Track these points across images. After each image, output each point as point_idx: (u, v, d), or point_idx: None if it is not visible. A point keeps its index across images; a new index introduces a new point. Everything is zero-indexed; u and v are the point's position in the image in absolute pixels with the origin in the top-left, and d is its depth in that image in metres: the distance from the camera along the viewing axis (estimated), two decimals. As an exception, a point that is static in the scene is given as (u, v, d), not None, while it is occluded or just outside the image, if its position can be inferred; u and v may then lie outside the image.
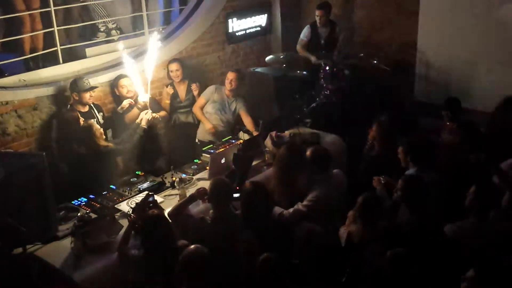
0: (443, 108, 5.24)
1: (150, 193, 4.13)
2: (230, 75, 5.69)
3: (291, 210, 4.14)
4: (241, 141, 5.24)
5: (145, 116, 5.00)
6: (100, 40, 6.17)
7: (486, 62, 6.12)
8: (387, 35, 6.85)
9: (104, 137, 4.88)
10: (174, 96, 5.99)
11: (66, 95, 5.28)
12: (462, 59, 6.27)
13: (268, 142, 5.10)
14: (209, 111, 5.79)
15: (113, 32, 6.25)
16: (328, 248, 3.47)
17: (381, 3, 6.85)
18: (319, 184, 4.20)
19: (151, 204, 3.93)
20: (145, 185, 4.64)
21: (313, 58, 6.59)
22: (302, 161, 4.27)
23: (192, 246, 3.33)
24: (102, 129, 4.87)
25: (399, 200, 3.85)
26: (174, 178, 4.68)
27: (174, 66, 5.93)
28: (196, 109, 5.87)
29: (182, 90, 6.02)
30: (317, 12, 6.63)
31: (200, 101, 5.86)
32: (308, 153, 4.31)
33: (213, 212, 3.89)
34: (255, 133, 5.40)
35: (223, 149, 5.02)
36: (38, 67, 5.48)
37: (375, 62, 6.41)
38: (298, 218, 4.07)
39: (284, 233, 3.86)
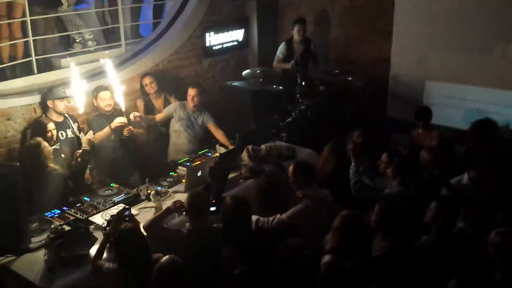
0: (416, 117, 5.40)
1: (126, 206, 4.10)
2: (191, 91, 5.68)
3: (270, 218, 4.17)
4: (218, 154, 5.25)
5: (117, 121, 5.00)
6: (76, 51, 6.13)
7: (458, 79, 6.29)
8: (362, 53, 6.99)
9: (52, 157, 4.66)
10: (151, 109, 5.97)
11: (41, 105, 5.22)
12: (433, 77, 6.43)
13: (244, 155, 5.12)
14: (177, 129, 5.77)
15: (90, 43, 6.22)
16: (313, 267, 3.49)
17: (356, 22, 7.00)
18: (304, 197, 4.23)
19: (127, 218, 3.91)
20: (120, 197, 4.60)
21: (288, 66, 6.67)
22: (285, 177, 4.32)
23: (167, 257, 3.32)
24: (50, 147, 4.69)
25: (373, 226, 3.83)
26: (149, 191, 4.65)
27: (147, 80, 5.93)
28: (157, 116, 5.81)
29: (159, 103, 6.01)
30: (297, 27, 6.71)
31: (161, 114, 5.82)
32: (291, 167, 4.35)
33: (189, 225, 3.88)
34: (230, 146, 5.43)
35: (199, 162, 5.03)
36: (15, 76, 5.41)
37: (350, 78, 6.52)
38: (281, 229, 4.10)
39: (267, 247, 3.85)
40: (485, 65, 6.07)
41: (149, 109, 5.96)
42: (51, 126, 4.88)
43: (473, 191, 4.33)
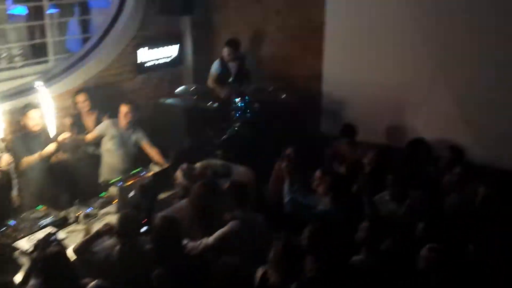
0: (341, 134, 5.56)
1: (52, 231, 3.93)
2: (124, 108, 5.55)
3: (197, 243, 4.10)
4: (152, 173, 5.14)
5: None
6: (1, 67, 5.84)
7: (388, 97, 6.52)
8: (295, 70, 7.10)
9: None
10: (80, 127, 5.77)
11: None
12: (365, 95, 6.64)
13: (178, 174, 5.04)
14: (109, 148, 5.61)
15: (16, 58, 5.93)
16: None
17: (289, 40, 7.10)
18: (235, 218, 4.18)
19: (53, 242, 3.73)
20: (48, 220, 4.40)
21: (224, 93, 6.64)
22: (216, 195, 4.26)
23: (93, 282, 3.20)
24: None
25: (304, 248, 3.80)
26: (78, 213, 4.48)
27: (80, 97, 5.76)
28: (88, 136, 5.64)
29: (90, 122, 5.82)
30: (224, 49, 6.71)
31: (93, 133, 5.65)
32: (226, 186, 4.32)
33: (120, 246, 3.76)
34: (164, 165, 5.33)
35: (132, 181, 4.89)
36: None
37: (284, 96, 6.60)
38: (208, 252, 4.02)
39: (199, 267, 3.79)
40: (415, 82, 6.31)
41: (79, 128, 5.76)
42: None
43: (394, 206, 4.49)
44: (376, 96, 6.50)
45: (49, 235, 3.80)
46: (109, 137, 5.60)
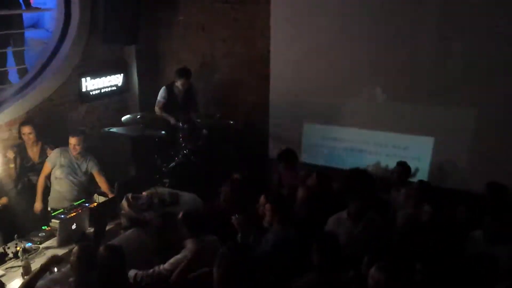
0: (280, 159, 5.61)
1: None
2: (72, 140, 5.45)
3: (150, 271, 4.00)
4: (95, 204, 5.00)
5: None
6: None
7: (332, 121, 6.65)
8: (242, 97, 7.15)
9: None
10: (24, 157, 5.66)
11: None
12: (309, 119, 6.74)
13: (124, 204, 4.92)
14: (58, 176, 5.50)
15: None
16: None
17: (236, 67, 7.15)
18: (187, 247, 4.14)
19: None
20: (-16, 257, 4.17)
21: (172, 120, 6.58)
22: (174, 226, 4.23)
23: None
24: None
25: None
26: (18, 248, 4.27)
27: (26, 129, 5.64)
28: (41, 178, 5.53)
29: (35, 153, 5.72)
30: (181, 81, 6.59)
31: (46, 169, 5.54)
32: (180, 216, 4.25)
33: (75, 279, 3.59)
34: (110, 195, 5.21)
35: (74, 213, 4.73)
36: None
37: (231, 122, 6.61)
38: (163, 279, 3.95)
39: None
40: (355, 107, 6.47)
41: (22, 158, 5.63)
42: None
43: (351, 225, 4.51)
44: (320, 121, 6.62)
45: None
46: (58, 166, 5.51)
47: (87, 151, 5.62)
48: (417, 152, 6.17)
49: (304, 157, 6.63)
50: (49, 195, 5.59)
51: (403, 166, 5.62)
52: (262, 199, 4.54)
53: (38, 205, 5.51)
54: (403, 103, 6.16)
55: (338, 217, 4.61)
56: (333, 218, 4.60)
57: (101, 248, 3.75)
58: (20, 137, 5.74)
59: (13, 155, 5.69)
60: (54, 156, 5.54)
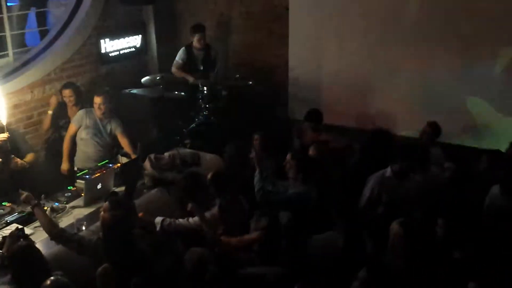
0: (306, 119, 5.64)
1: (19, 226, 3.84)
2: (97, 99, 5.46)
3: (180, 220, 4.16)
4: (119, 164, 5.07)
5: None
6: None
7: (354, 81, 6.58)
8: (261, 57, 7.10)
9: None
10: (61, 115, 5.82)
11: None
12: (329, 79, 6.68)
13: (146, 164, 4.99)
14: (84, 137, 5.54)
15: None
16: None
17: (253, 28, 7.08)
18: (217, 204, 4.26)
19: (21, 238, 3.64)
20: (13, 217, 4.28)
21: (191, 79, 6.59)
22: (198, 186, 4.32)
23: (50, 278, 3.11)
24: None
25: None
26: (45, 208, 4.37)
27: (67, 92, 5.77)
28: (66, 139, 5.59)
29: (72, 114, 5.77)
30: (197, 36, 6.58)
31: (71, 129, 5.58)
32: (208, 176, 4.37)
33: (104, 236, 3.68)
34: (133, 156, 5.27)
35: (99, 174, 4.80)
36: None
37: (250, 83, 6.59)
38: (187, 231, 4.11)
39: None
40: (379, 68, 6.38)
41: (61, 115, 5.86)
42: None
43: (395, 183, 4.57)
44: (341, 81, 6.56)
45: (15, 231, 3.69)
46: (83, 127, 5.54)
47: (111, 112, 5.62)
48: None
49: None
50: (75, 155, 5.67)
51: (432, 126, 5.57)
52: (288, 156, 4.67)
53: (65, 166, 5.57)
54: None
55: (381, 175, 4.66)
56: (376, 176, 4.65)
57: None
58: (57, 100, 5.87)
59: (56, 101, 5.84)
60: (79, 117, 5.57)
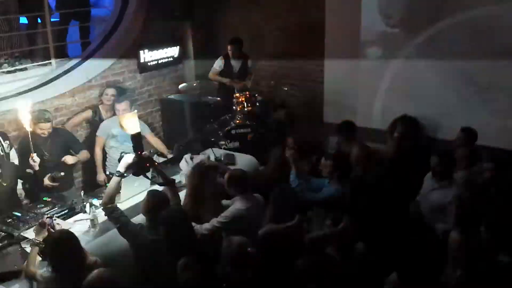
0: (338, 132, 5.65)
1: (49, 215, 4.04)
2: (121, 106, 5.61)
3: (207, 225, 4.12)
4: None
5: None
6: (4, 70, 5.91)
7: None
8: (297, 65, 7.14)
9: None
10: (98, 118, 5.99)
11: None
12: (366, 84, 6.67)
13: (183, 164, 5.07)
14: (113, 145, 5.67)
15: (17, 63, 6.00)
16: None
17: (289, 39, 7.16)
18: (236, 202, 4.23)
19: (51, 227, 3.79)
20: (54, 211, 4.41)
21: (226, 80, 6.75)
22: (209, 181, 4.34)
23: (95, 272, 3.12)
24: None
25: None
26: (84, 203, 4.49)
27: (110, 91, 6.00)
28: (97, 150, 5.69)
29: (109, 116, 5.96)
30: (230, 47, 6.78)
31: (99, 141, 5.71)
32: (226, 176, 4.35)
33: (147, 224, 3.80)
34: (169, 156, 5.37)
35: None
36: None
37: (286, 88, 6.64)
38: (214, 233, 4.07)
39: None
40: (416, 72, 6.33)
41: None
42: None
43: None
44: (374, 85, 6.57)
45: (45, 219, 3.81)
46: (111, 136, 5.66)
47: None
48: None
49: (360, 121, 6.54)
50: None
51: (466, 132, 5.42)
52: (323, 160, 4.77)
53: (100, 176, 5.65)
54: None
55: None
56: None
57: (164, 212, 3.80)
58: (100, 99, 6.10)
59: (90, 115, 6.02)
60: (104, 127, 5.71)
